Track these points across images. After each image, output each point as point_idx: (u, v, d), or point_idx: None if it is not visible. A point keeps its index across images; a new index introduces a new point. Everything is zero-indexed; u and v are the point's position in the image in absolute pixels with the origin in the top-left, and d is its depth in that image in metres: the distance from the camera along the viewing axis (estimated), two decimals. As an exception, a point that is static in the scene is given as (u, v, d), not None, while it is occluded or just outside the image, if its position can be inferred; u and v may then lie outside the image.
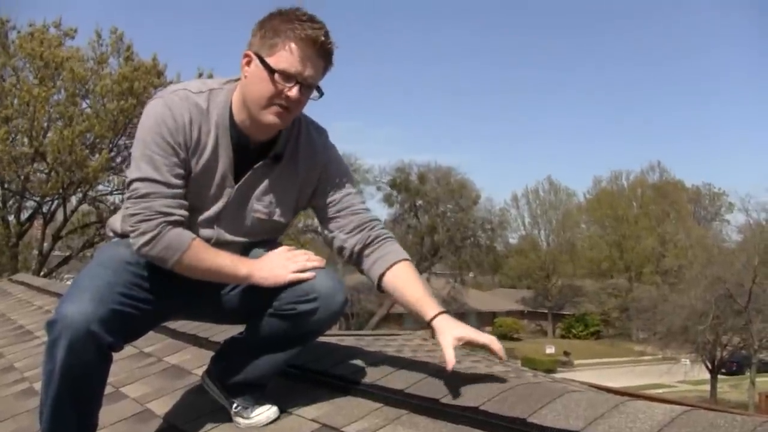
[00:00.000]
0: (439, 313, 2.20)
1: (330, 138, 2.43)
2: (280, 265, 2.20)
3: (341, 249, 2.39)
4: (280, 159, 2.29)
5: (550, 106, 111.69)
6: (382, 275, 2.32)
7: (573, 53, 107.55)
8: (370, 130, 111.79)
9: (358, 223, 2.37)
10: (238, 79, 2.25)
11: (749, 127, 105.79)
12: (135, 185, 2.13)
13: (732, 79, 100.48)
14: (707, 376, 36.62)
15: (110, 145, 20.09)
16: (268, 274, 2.19)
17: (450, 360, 2.11)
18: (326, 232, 2.44)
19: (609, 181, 71.72)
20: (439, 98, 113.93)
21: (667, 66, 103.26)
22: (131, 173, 2.16)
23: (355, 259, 2.38)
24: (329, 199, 2.39)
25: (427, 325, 2.23)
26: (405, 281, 2.30)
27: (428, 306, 2.23)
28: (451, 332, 2.15)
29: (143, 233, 2.12)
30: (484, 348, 2.18)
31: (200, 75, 19.45)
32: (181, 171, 2.15)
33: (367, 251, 2.36)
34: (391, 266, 2.32)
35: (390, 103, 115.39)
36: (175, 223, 2.13)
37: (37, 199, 20.90)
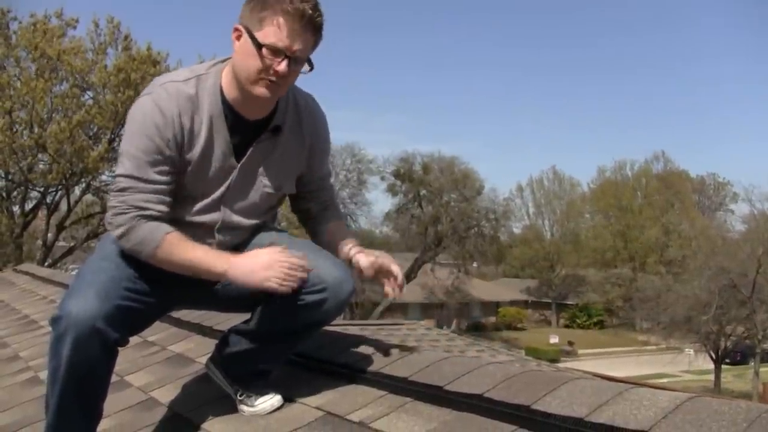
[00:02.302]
0: (358, 251, 2.40)
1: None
2: (259, 268, 2.11)
3: (304, 212, 2.55)
4: (280, 130, 2.28)
5: (555, 96, 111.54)
6: (324, 228, 2.49)
7: (578, 43, 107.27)
8: (373, 120, 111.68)
9: (328, 197, 2.56)
10: (224, 60, 2.25)
11: (754, 116, 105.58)
12: (117, 179, 2.17)
13: (736, 68, 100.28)
14: (711, 366, 36.63)
15: (111, 136, 20.09)
16: (243, 277, 2.12)
17: (390, 292, 2.37)
18: (299, 196, 2.53)
19: (613, 171, 71.78)
20: (444, 88, 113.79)
21: (672, 56, 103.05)
22: (117, 168, 2.19)
23: (299, 212, 2.54)
24: (318, 174, 2.48)
25: (348, 260, 2.40)
26: (342, 232, 2.50)
27: (351, 243, 2.44)
28: (374, 266, 2.36)
29: (118, 226, 2.13)
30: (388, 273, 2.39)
31: (201, 62, 19.37)
32: (165, 168, 2.14)
33: (323, 214, 2.54)
34: (332, 222, 2.52)
35: (394, 93, 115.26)
36: (150, 218, 2.12)
37: (41, 189, 20.93)
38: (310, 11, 2.06)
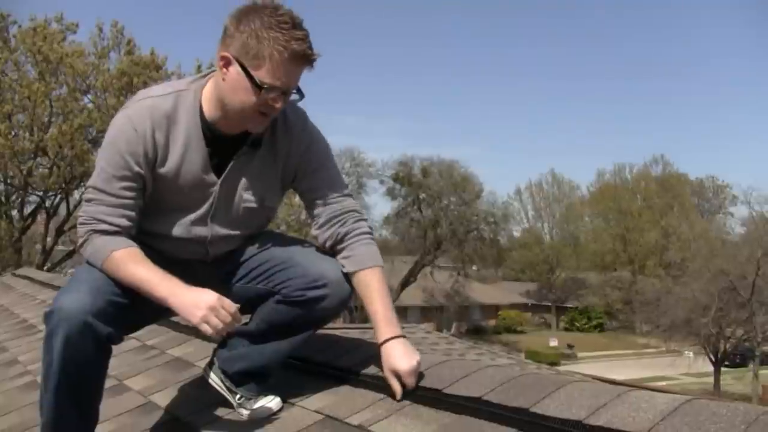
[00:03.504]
0: (390, 339, 2.20)
1: (309, 119, 2.37)
2: (203, 307, 2.01)
3: (316, 239, 2.39)
4: (258, 145, 2.27)
5: (554, 100, 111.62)
6: (350, 274, 2.28)
7: (576, 46, 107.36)
8: (373, 124, 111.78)
9: (329, 218, 2.32)
10: (205, 75, 2.25)
11: (753, 119, 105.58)
12: (87, 190, 2.21)
13: (736, 71, 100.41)
14: (711, 368, 36.63)
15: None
16: (183, 309, 2.03)
17: (396, 390, 2.19)
18: (308, 213, 2.44)
19: (612, 174, 71.92)
20: (443, 92, 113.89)
21: (671, 58, 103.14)
22: (90, 179, 2.22)
23: (328, 253, 2.35)
24: (306, 186, 2.36)
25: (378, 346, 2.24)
26: (369, 291, 2.26)
27: (384, 326, 2.22)
28: (388, 364, 2.19)
29: (80, 236, 2.19)
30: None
31: (199, 66, 19.49)
32: (131, 183, 2.15)
33: (338, 248, 2.32)
34: (359, 271, 2.27)
35: (393, 97, 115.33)
36: (104, 232, 2.14)
37: (40, 193, 20.94)
38: (309, 51, 2.06)
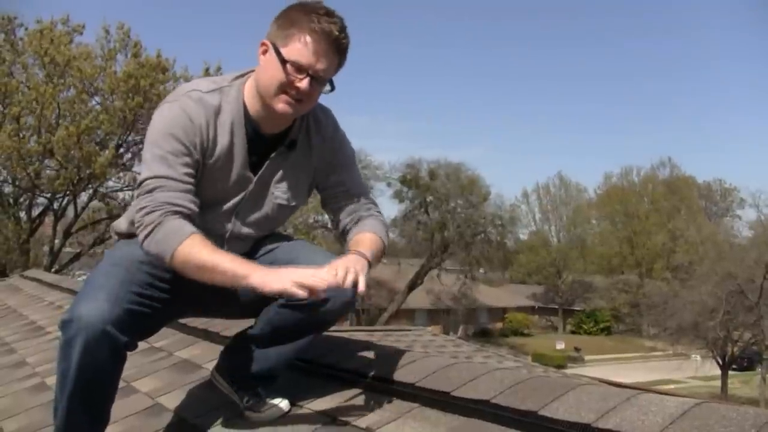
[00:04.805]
0: (354, 252, 2.20)
1: (338, 123, 2.44)
2: (284, 275, 1.98)
3: (336, 224, 2.46)
4: (294, 146, 2.32)
5: (561, 102, 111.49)
6: (351, 233, 2.37)
7: (584, 48, 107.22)
8: (380, 126, 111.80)
9: (349, 213, 2.43)
10: (247, 73, 2.28)
11: (760, 121, 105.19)
12: (146, 182, 2.13)
13: (743, 74, 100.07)
14: (718, 372, 36.50)
15: (118, 142, 20.15)
16: (267, 279, 1.99)
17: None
18: (327, 211, 2.50)
19: (620, 177, 71.74)
20: (449, 94, 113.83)
21: (678, 60, 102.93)
22: (143, 174, 2.16)
23: (341, 235, 2.44)
24: (333, 180, 2.43)
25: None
26: (359, 238, 2.31)
27: (353, 248, 2.24)
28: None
29: (147, 225, 2.09)
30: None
31: (207, 69, 19.54)
32: (192, 171, 2.16)
33: (352, 227, 2.41)
34: (361, 232, 2.34)
35: (400, 99, 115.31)
36: (179, 213, 2.10)
37: (48, 195, 20.97)
38: (337, 32, 2.10)
